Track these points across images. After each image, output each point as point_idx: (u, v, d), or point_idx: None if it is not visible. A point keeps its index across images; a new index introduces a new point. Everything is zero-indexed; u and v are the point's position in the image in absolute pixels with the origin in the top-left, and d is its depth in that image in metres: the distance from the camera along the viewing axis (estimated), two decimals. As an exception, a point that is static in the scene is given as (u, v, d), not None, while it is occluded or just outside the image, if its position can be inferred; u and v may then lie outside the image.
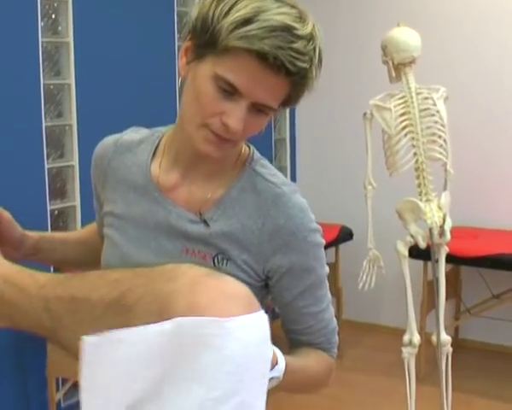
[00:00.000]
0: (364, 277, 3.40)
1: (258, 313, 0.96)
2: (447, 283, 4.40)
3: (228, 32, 1.22)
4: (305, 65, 1.25)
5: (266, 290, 1.46)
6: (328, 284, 1.49)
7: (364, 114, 3.27)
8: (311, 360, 1.46)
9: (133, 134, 1.54)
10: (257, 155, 1.47)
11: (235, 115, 1.27)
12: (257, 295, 1.08)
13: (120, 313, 1.02)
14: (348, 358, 4.98)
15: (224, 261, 1.39)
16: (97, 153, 1.56)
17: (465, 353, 4.99)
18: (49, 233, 1.62)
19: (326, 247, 4.15)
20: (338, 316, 4.81)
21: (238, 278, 1.36)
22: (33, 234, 1.58)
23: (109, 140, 1.54)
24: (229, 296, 0.97)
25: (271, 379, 1.26)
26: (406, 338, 3.35)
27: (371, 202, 3.35)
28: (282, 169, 5.59)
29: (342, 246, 4.81)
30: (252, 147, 1.48)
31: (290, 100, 1.34)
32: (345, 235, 4.68)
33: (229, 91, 1.27)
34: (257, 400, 0.97)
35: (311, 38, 1.26)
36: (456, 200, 4.48)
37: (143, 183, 1.46)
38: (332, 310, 1.50)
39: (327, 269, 1.48)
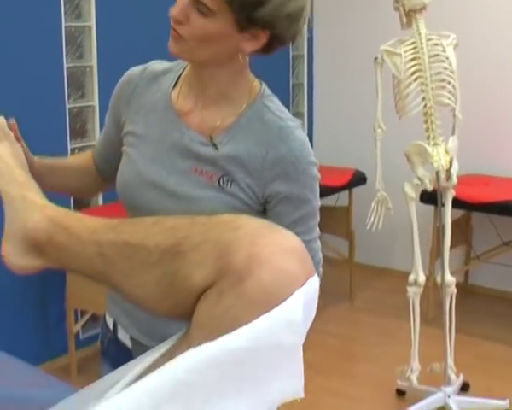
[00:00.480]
0: (372, 218, 3.51)
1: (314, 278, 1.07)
2: (458, 229, 4.53)
3: None
4: None
5: (264, 216, 1.57)
6: (318, 217, 1.63)
7: (375, 58, 3.35)
8: None
9: (158, 65, 1.68)
10: (267, 91, 1.60)
11: (176, 5, 1.46)
12: (256, 215, 1.23)
13: (174, 260, 1.09)
14: (359, 300, 5.12)
15: (229, 183, 1.53)
16: (124, 80, 1.69)
17: (474, 298, 5.11)
18: (49, 159, 1.65)
19: (340, 190, 4.29)
20: (350, 259, 4.94)
21: (240, 198, 1.52)
22: (35, 159, 1.64)
23: (136, 69, 1.69)
24: (286, 250, 1.04)
25: None
26: (412, 278, 3.47)
27: (380, 145, 3.44)
28: (299, 114, 5.67)
29: (355, 190, 4.90)
30: (263, 84, 1.61)
31: (235, 7, 1.43)
32: (358, 179, 4.77)
33: None
34: None
35: None
36: (468, 147, 4.58)
37: (163, 107, 1.61)
38: (319, 243, 1.64)
39: (319, 205, 1.61)
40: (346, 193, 4.97)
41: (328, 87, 5.56)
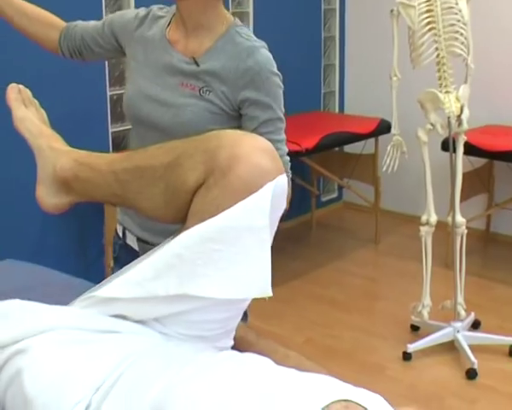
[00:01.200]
0: (388, 160, 3.73)
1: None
2: (480, 178, 4.73)
3: None
4: None
5: (239, 120, 1.95)
6: (285, 127, 1.96)
7: (391, 10, 3.55)
8: None
9: (158, 10, 2.07)
10: (239, 22, 1.99)
11: None
12: (229, 123, 1.78)
13: (174, 171, 1.41)
14: (384, 244, 5.36)
15: (208, 92, 1.92)
16: (131, 16, 2.07)
17: (495, 245, 5.30)
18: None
19: (366, 137, 4.51)
20: (376, 204, 5.17)
21: (216, 104, 1.90)
22: None
23: (141, 10, 2.07)
24: (260, 150, 1.35)
25: None
26: (424, 218, 3.69)
27: (396, 92, 3.65)
28: (330, 66, 5.87)
29: (381, 138, 5.09)
30: (235, 17, 2.00)
31: None
32: (384, 127, 4.94)
33: None
34: None
35: None
36: (490, 98, 4.75)
37: (159, 38, 2.00)
38: (287, 150, 1.95)
39: (283, 110, 1.95)
40: (372, 141, 5.17)
41: (359, 40, 5.73)
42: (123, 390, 1.31)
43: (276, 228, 1.44)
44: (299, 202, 5.65)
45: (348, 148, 5.50)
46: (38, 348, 1.43)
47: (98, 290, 1.49)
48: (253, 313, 4.17)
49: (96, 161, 1.58)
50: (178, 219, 1.46)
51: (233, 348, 1.54)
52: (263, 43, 1.95)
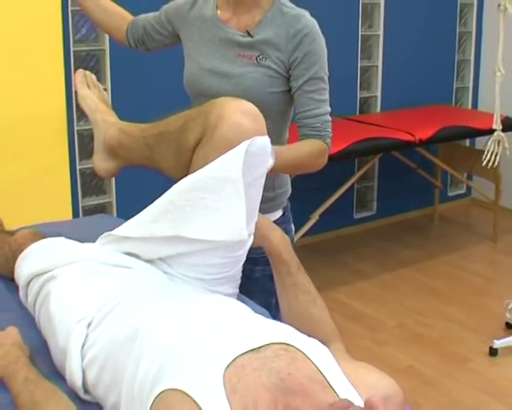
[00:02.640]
0: (488, 155, 3.76)
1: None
2: None
3: None
4: None
5: (289, 85, 2.12)
6: (328, 93, 2.13)
7: (498, 5, 3.57)
8: (302, 145, 2.10)
9: None
10: None
11: None
12: (284, 85, 2.09)
13: (183, 133, 1.70)
14: (502, 242, 5.31)
15: (264, 58, 2.10)
16: (182, 2, 2.26)
17: None
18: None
19: (485, 134, 4.54)
20: (496, 201, 5.14)
21: (273, 68, 2.12)
22: None
23: None
24: (243, 112, 1.61)
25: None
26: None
27: (499, 87, 3.67)
28: (465, 61, 5.85)
29: (507, 135, 5.03)
30: None
31: None
32: (508, 125, 4.89)
33: None
34: None
35: None
36: None
37: (211, 18, 2.19)
38: (329, 110, 2.12)
39: (327, 73, 2.13)
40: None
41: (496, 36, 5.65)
42: (117, 314, 1.55)
43: (262, 184, 1.65)
44: (422, 194, 5.70)
45: (472, 143, 5.47)
46: (64, 275, 1.72)
47: (114, 230, 1.75)
48: (355, 294, 4.37)
49: (133, 130, 1.90)
50: (185, 175, 1.70)
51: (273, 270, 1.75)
52: (307, 12, 2.14)
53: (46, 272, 1.76)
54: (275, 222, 2.13)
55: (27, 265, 1.85)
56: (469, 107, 5.94)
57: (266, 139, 1.60)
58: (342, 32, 4.92)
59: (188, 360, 1.27)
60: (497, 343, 3.72)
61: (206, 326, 1.38)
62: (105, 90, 2.16)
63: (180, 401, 1.20)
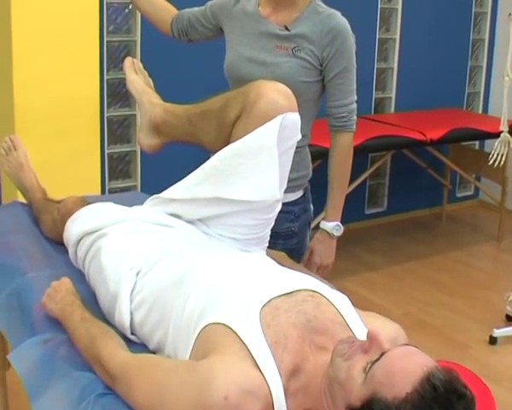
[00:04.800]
0: (495, 155, 3.98)
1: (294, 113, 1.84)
2: None
3: None
4: None
5: (322, 77, 2.35)
6: (355, 83, 2.38)
7: (509, 14, 3.79)
8: (338, 167, 2.40)
9: None
10: None
11: None
12: (316, 76, 2.32)
13: (224, 111, 1.96)
14: (507, 242, 5.53)
15: (299, 51, 2.31)
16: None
17: None
18: None
19: (494, 136, 4.73)
20: (501, 203, 5.35)
21: (307, 60, 2.34)
22: None
23: None
24: (278, 91, 1.86)
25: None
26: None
27: (507, 92, 3.89)
28: (477, 68, 6.07)
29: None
30: None
31: None
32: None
33: None
34: None
35: None
36: None
37: (252, 13, 2.42)
38: (356, 98, 2.38)
39: (355, 66, 2.35)
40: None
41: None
42: (162, 265, 1.80)
43: (292, 154, 1.93)
44: (431, 193, 5.92)
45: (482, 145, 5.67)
46: (114, 232, 1.98)
47: (162, 193, 2.00)
48: (364, 284, 4.59)
49: (177, 110, 2.16)
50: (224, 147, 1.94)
51: None
52: (339, 13, 2.35)
53: (96, 231, 2.00)
54: (296, 201, 2.39)
55: (78, 225, 2.08)
56: (480, 111, 6.16)
57: (297, 115, 1.85)
58: (360, 34, 5.02)
59: (230, 300, 1.51)
60: (497, 332, 3.94)
61: (245, 273, 1.63)
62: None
63: (223, 332, 1.44)
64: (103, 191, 4.19)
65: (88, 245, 2.00)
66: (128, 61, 2.38)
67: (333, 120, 2.37)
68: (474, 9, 5.87)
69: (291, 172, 2.37)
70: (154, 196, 2.05)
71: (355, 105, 2.38)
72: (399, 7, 5.38)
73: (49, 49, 3.49)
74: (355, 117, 2.38)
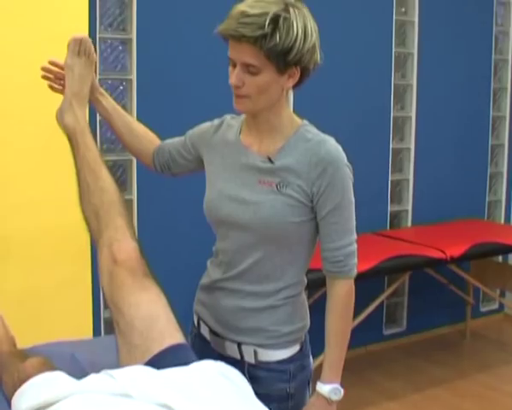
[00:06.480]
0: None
1: None
2: None
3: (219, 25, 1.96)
4: (248, 31, 1.87)
5: (314, 215, 2.04)
6: (354, 219, 2.05)
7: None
8: (334, 322, 2.10)
9: (231, 119, 2.23)
10: (306, 121, 2.11)
11: (233, 75, 1.96)
12: (307, 215, 2.00)
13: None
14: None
15: (285, 186, 2.01)
16: (207, 126, 2.26)
17: None
18: (123, 113, 2.37)
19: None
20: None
21: (294, 197, 2.03)
22: (110, 102, 2.33)
23: (216, 120, 2.25)
24: None
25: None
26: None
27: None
28: (497, 174, 5.81)
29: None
30: (304, 119, 2.12)
31: (273, 59, 1.91)
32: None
33: (232, 64, 1.97)
34: None
35: (262, 15, 1.87)
36: None
37: (233, 142, 2.14)
38: (354, 238, 2.05)
39: (353, 201, 2.04)
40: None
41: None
42: None
43: None
44: (453, 309, 5.57)
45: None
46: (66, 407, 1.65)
47: (114, 371, 1.70)
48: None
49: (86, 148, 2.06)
50: None
51: None
52: (332, 138, 2.07)
53: (50, 405, 1.70)
54: (291, 358, 2.07)
55: (25, 400, 1.78)
56: (502, 221, 5.86)
57: None
58: (373, 146, 4.92)
59: None
60: None
61: None
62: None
63: None
64: (96, 320, 3.93)
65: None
66: (75, 41, 2.19)
67: (328, 265, 2.05)
68: (491, 114, 5.63)
69: (284, 325, 2.08)
70: (109, 371, 1.75)
71: (354, 246, 2.05)
72: (413, 115, 5.15)
73: (34, 173, 3.30)
74: (354, 260, 2.05)
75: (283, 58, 1.91)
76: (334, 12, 4.55)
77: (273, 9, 1.88)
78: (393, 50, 5.00)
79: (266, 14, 1.87)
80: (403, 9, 5.07)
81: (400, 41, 5.07)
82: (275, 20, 1.87)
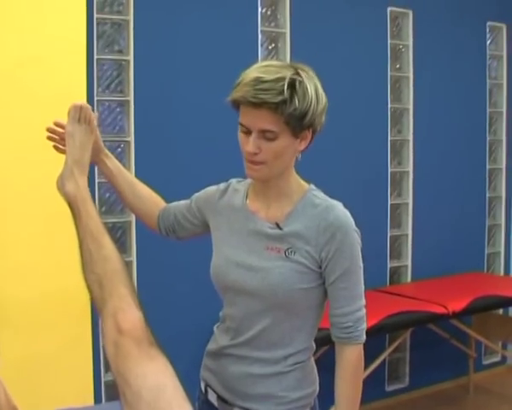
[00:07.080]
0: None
1: None
2: None
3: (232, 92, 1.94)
4: (269, 97, 1.85)
5: (323, 281, 2.02)
6: (362, 284, 2.03)
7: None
8: (343, 389, 2.04)
9: (237, 183, 2.21)
10: (313, 186, 2.10)
11: (249, 143, 1.92)
12: (315, 281, 1.96)
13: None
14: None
15: (293, 253, 1.99)
16: (212, 190, 2.24)
17: None
18: (127, 174, 2.32)
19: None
20: None
21: (302, 263, 2.00)
22: (115, 163, 2.25)
23: (222, 185, 2.23)
24: None
25: None
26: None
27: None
28: (495, 226, 5.79)
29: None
30: (310, 183, 2.10)
31: (291, 124, 1.90)
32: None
33: (245, 131, 1.93)
34: None
35: (278, 80, 1.86)
36: None
37: (240, 208, 2.12)
38: (363, 303, 2.02)
39: (361, 266, 2.02)
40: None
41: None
42: None
43: None
44: (456, 363, 5.51)
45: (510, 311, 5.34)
46: None
47: None
48: None
49: (88, 216, 1.86)
50: None
51: None
52: (340, 203, 2.06)
53: None
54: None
55: None
56: (501, 272, 5.84)
57: None
58: (371, 201, 4.91)
59: None
60: None
61: None
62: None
63: None
64: (96, 384, 3.87)
65: None
66: (75, 108, 1.97)
67: (337, 331, 2.02)
68: (488, 166, 5.64)
69: (294, 391, 2.04)
70: None
71: (363, 311, 2.03)
72: (410, 169, 5.16)
73: (33, 237, 3.28)
74: (363, 325, 2.02)
75: (300, 122, 1.91)
76: (330, 69, 4.56)
77: (287, 74, 1.88)
78: (389, 106, 5.03)
79: (282, 78, 1.86)
80: (397, 65, 5.11)
81: (396, 97, 5.11)
82: (292, 84, 1.87)
